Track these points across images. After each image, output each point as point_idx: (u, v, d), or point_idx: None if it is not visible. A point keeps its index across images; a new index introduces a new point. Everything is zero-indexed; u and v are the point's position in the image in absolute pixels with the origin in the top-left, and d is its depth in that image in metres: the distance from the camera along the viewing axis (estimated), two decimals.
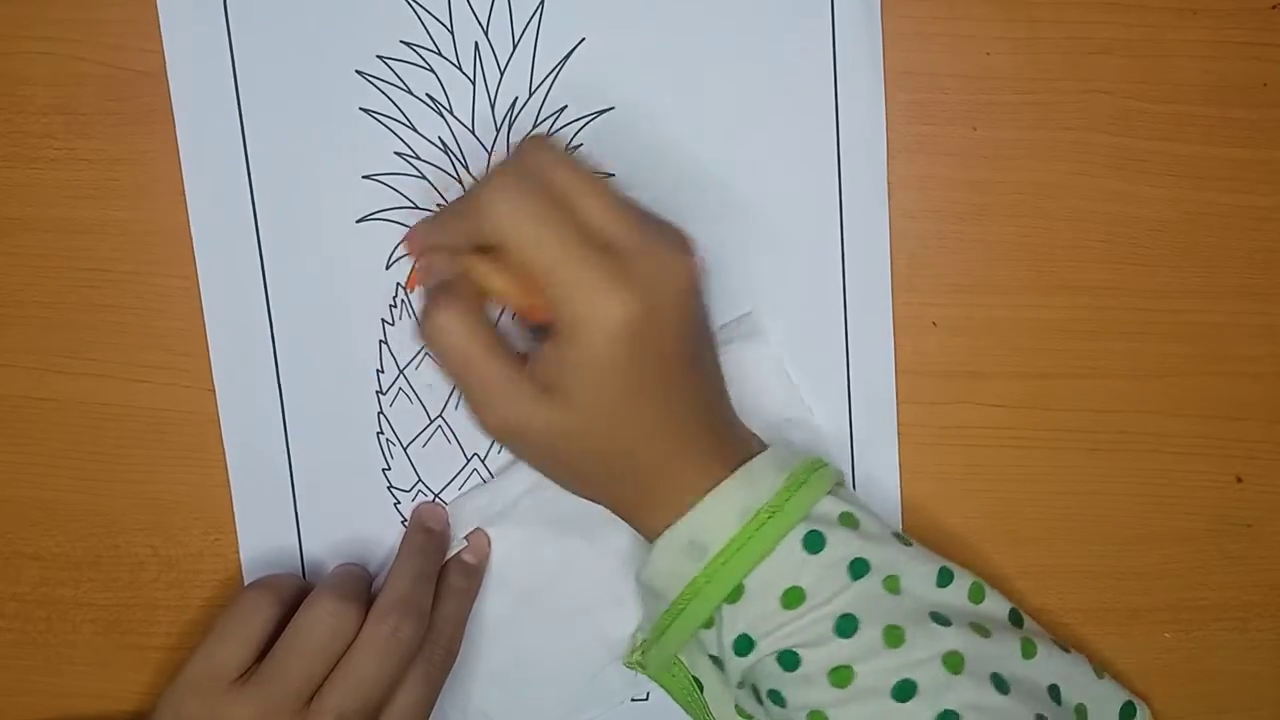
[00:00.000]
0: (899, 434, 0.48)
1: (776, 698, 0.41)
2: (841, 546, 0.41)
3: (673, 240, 0.40)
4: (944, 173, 0.46)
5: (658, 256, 0.39)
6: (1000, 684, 0.41)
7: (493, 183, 0.39)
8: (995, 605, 0.44)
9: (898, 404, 0.48)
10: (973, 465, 0.48)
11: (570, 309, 0.38)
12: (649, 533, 0.42)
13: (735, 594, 0.41)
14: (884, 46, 0.45)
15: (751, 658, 0.41)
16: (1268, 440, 0.48)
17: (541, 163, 0.39)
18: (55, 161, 0.46)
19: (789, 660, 0.40)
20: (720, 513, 0.41)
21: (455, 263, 0.41)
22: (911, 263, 0.47)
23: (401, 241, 0.46)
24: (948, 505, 0.48)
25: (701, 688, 0.45)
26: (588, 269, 0.38)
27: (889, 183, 0.46)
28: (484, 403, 0.40)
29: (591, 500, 0.43)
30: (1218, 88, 0.46)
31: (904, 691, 0.40)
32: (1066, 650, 0.45)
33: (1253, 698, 0.49)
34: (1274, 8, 0.46)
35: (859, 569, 0.41)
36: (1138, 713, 0.46)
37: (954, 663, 0.41)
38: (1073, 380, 0.48)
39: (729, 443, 0.42)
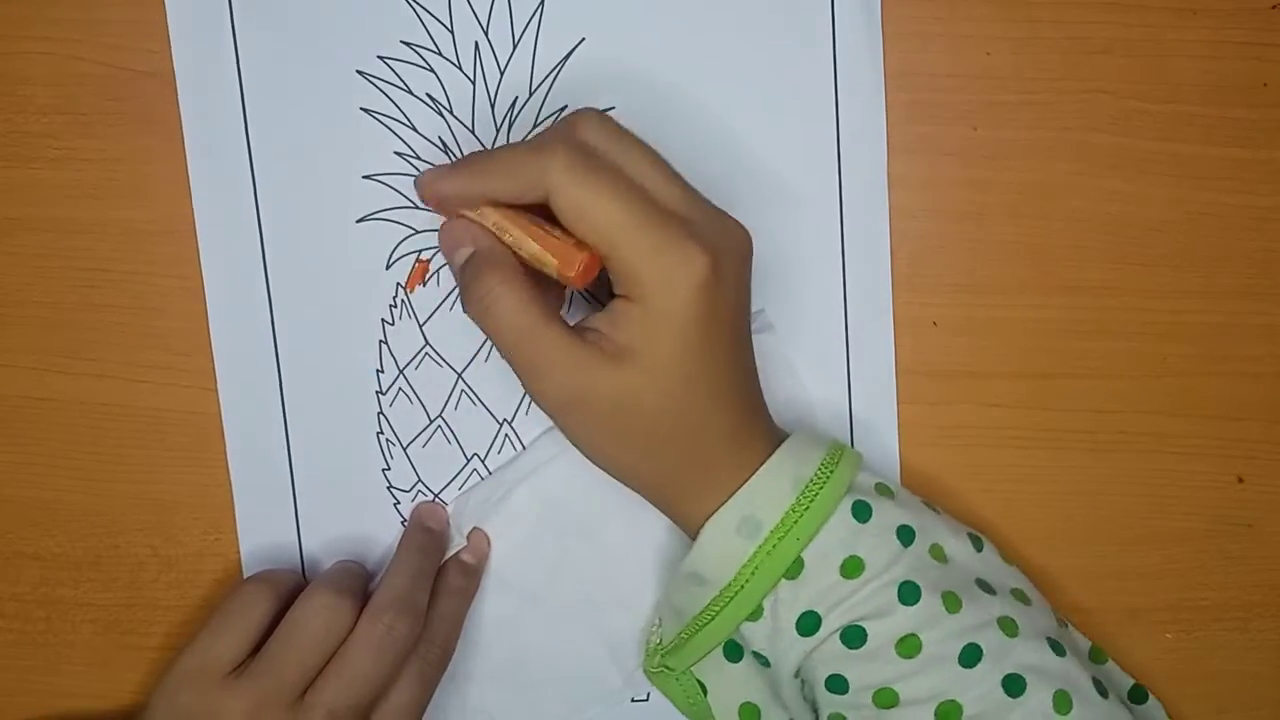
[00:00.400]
0: (899, 434, 0.48)
1: (838, 683, 0.41)
2: (887, 514, 0.41)
3: (727, 214, 0.41)
4: (944, 173, 0.47)
5: (721, 222, 0.40)
6: (1056, 646, 0.41)
7: (550, 146, 0.38)
8: (1016, 573, 0.45)
9: (898, 404, 0.48)
10: (973, 465, 0.48)
11: (647, 269, 0.38)
12: (693, 518, 0.41)
13: (795, 569, 0.40)
14: (884, 46, 0.46)
15: (819, 635, 0.40)
16: (1268, 440, 0.48)
17: (596, 132, 0.39)
18: (55, 161, 0.46)
19: (854, 636, 0.40)
20: (773, 486, 0.40)
21: (483, 231, 0.40)
22: (911, 263, 0.47)
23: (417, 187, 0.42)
24: (948, 505, 0.48)
25: (705, 691, 0.44)
26: (661, 231, 0.38)
27: (889, 183, 0.46)
28: (543, 373, 0.39)
29: (631, 483, 0.42)
30: (1218, 88, 0.46)
31: (970, 656, 0.40)
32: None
33: (1253, 698, 0.49)
34: (1274, 8, 0.46)
35: (907, 536, 0.41)
36: (1149, 698, 0.46)
37: (1010, 627, 0.41)
38: (1073, 380, 0.48)
39: (768, 422, 0.43)
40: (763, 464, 0.41)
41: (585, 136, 0.39)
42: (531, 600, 0.48)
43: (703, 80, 0.46)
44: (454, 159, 0.46)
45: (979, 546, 0.43)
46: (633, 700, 0.49)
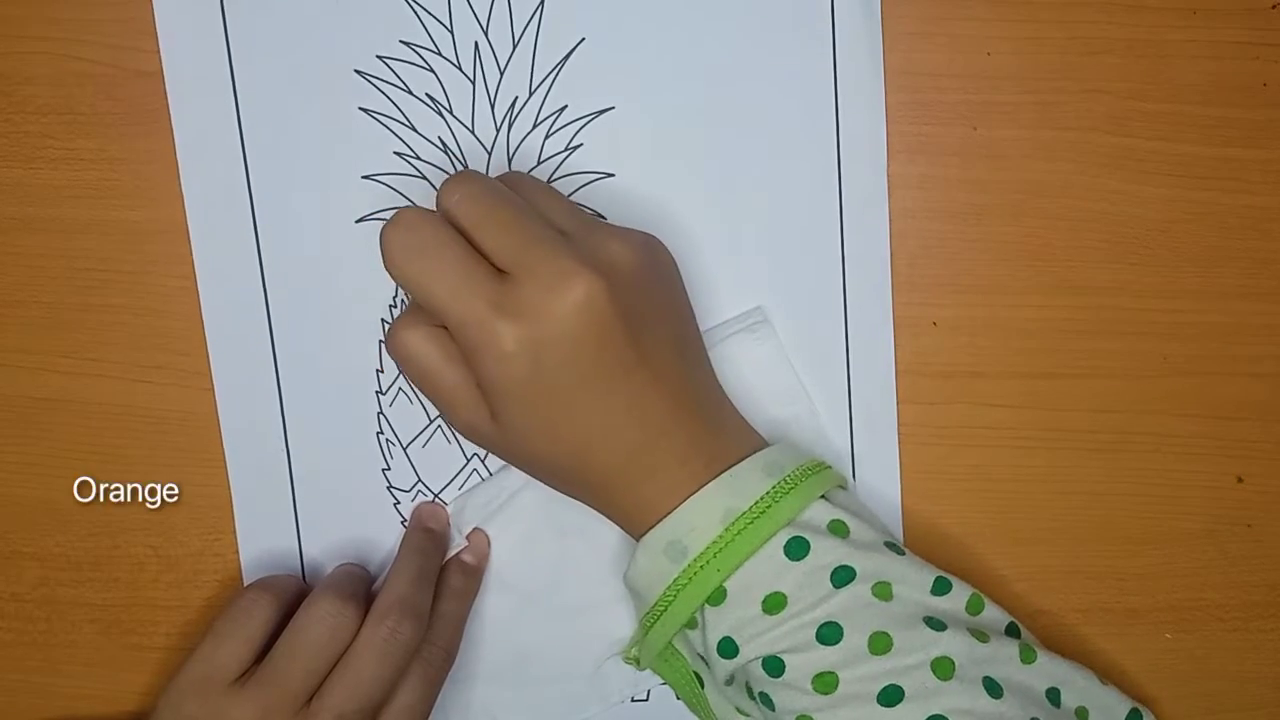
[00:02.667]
0: (899, 434, 0.48)
1: (765, 700, 0.41)
2: (826, 554, 0.41)
3: (579, 256, 0.39)
4: (944, 173, 0.46)
5: (548, 275, 0.39)
6: (993, 688, 0.41)
7: (389, 222, 0.40)
8: (994, 616, 0.43)
9: (898, 404, 0.48)
10: (973, 465, 0.48)
11: (462, 339, 0.39)
12: (634, 533, 0.42)
13: (717, 597, 0.41)
14: (884, 46, 0.45)
15: (737, 660, 0.41)
16: (1268, 440, 0.48)
17: (449, 201, 0.40)
18: (55, 161, 0.46)
19: (773, 665, 0.41)
20: (702, 514, 0.41)
21: None
22: (911, 263, 0.47)
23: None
24: (948, 505, 0.48)
25: (702, 683, 0.45)
26: (469, 300, 0.39)
27: (889, 183, 0.46)
28: (446, 409, 0.42)
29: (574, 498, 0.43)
30: (1218, 88, 0.46)
31: (890, 697, 0.40)
32: (1066, 660, 0.44)
33: (1253, 698, 0.49)
34: (1274, 8, 0.46)
35: (843, 576, 0.41)
36: (1143, 718, 0.45)
37: (944, 668, 0.40)
38: (1073, 380, 0.48)
39: (713, 442, 0.42)
40: (699, 489, 0.41)
41: (442, 201, 0.40)
42: (532, 600, 0.48)
43: (703, 80, 0.46)
44: (453, 159, 0.46)
45: (942, 590, 0.42)
46: (633, 700, 0.49)
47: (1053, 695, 0.43)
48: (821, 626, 0.40)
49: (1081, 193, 0.47)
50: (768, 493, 0.41)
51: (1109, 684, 0.44)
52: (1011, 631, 0.44)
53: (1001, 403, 0.48)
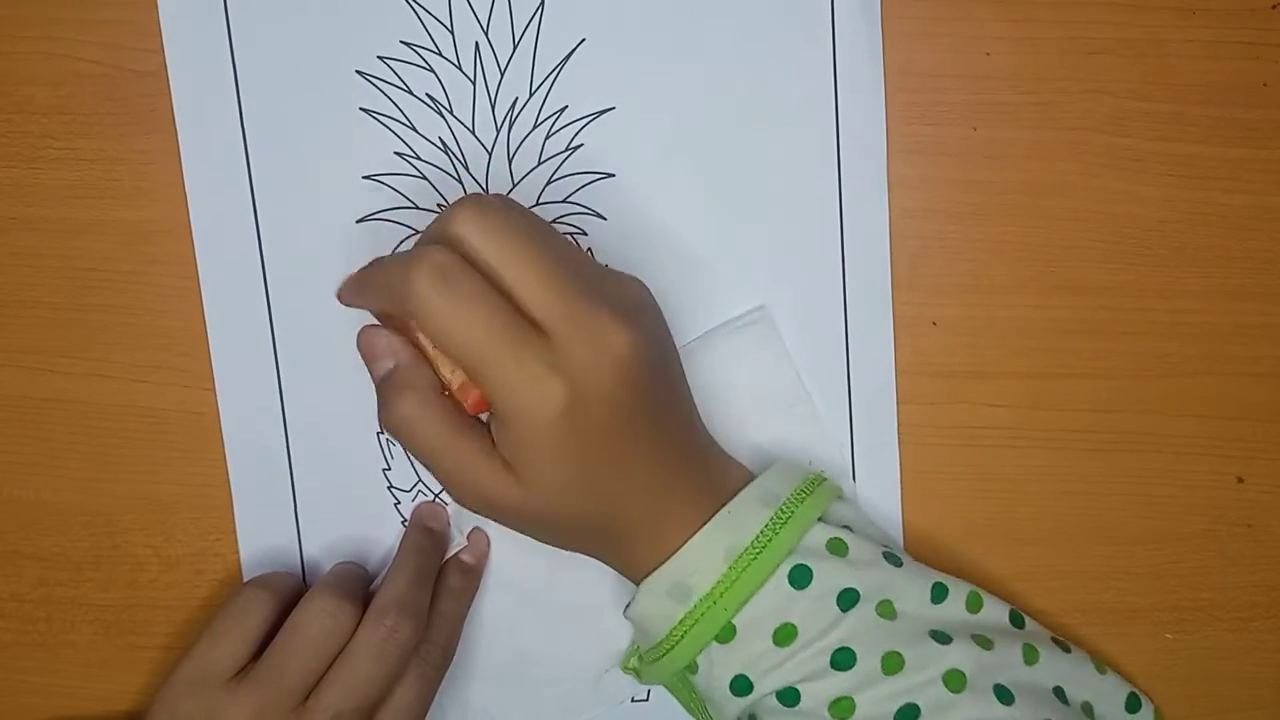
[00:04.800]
0: (899, 434, 0.48)
1: None
2: (829, 578, 0.41)
3: (612, 306, 0.39)
4: (944, 173, 0.46)
5: (591, 330, 0.38)
6: (1004, 695, 0.41)
7: (416, 259, 0.37)
8: (994, 611, 0.44)
9: (898, 404, 0.48)
10: (973, 465, 0.48)
11: (503, 400, 0.38)
12: (632, 577, 0.42)
13: (726, 634, 0.41)
14: (884, 46, 0.46)
15: (752, 697, 0.41)
16: (1268, 440, 0.48)
17: (471, 232, 0.38)
18: (55, 161, 0.46)
19: (789, 696, 0.40)
20: (704, 556, 0.40)
21: (402, 345, 0.42)
22: (911, 263, 0.47)
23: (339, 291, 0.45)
24: (948, 505, 0.48)
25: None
26: (515, 362, 0.37)
27: (889, 183, 0.46)
28: (455, 486, 0.41)
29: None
30: (1218, 88, 0.46)
31: (907, 715, 0.40)
32: (1067, 650, 0.45)
33: (1253, 698, 0.49)
34: (1274, 7, 0.46)
35: (849, 599, 0.41)
36: (1143, 704, 0.46)
37: (956, 681, 0.40)
38: (1073, 380, 0.48)
39: (710, 480, 0.42)
40: (698, 531, 0.41)
41: (460, 231, 0.38)
42: (531, 600, 0.48)
43: (702, 80, 0.46)
44: (453, 159, 0.46)
45: (940, 597, 0.43)
46: (633, 700, 0.49)
47: (1059, 693, 0.43)
48: (835, 653, 0.40)
49: (1081, 193, 0.47)
50: (767, 524, 0.41)
51: (1106, 671, 0.45)
52: (1015, 619, 0.44)
53: (1001, 403, 0.48)
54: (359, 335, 0.43)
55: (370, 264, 0.44)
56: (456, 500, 0.41)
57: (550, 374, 0.37)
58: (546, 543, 0.43)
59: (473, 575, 0.47)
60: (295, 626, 0.43)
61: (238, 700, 0.42)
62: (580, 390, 0.38)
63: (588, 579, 0.47)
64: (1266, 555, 0.49)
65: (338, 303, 0.45)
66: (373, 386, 0.47)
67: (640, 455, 0.40)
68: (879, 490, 0.48)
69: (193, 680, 0.43)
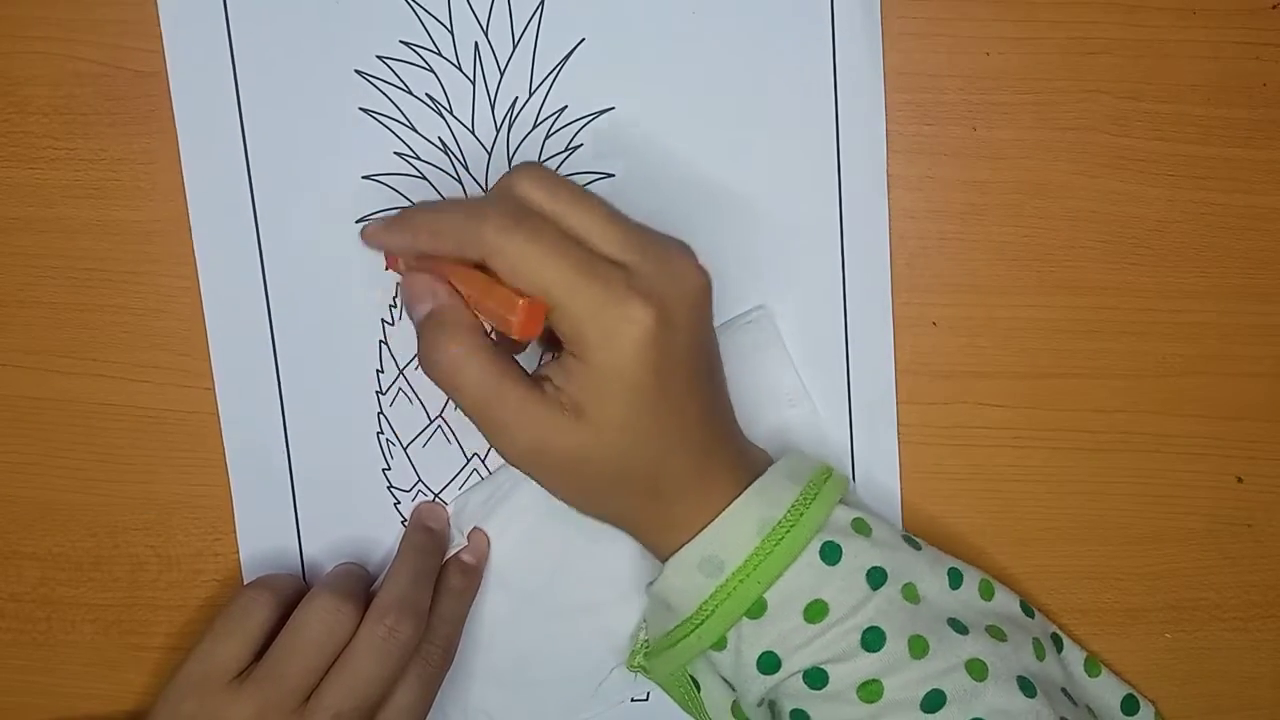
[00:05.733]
0: (899, 434, 0.48)
1: (801, 717, 0.41)
2: (858, 556, 0.41)
3: (677, 249, 0.39)
4: (944, 173, 0.47)
5: (667, 266, 0.38)
6: (1026, 686, 0.41)
7: (484, 207, 0.38)
8: (1005, 600, 0.44)
9: (898, 404, 0.48)
10: (973, 465, 0.48)
11: (588, 327, 0.37)
12: (663, 550, 0.42)
13: (757, 609, 0.40)
14: (884, 46, 0.46)
15: (779, 675, 0.41)
16: (1268, 440, 0.48)
17: (534, 187, 0.38)
18: (55, 161, 0.46)
19: (816, 678, 0.40)
20: (738, 528, 0.40)
21: (443, 286, 0.40)
22: (911, 263, 0.47)
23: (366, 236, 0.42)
24: (948, 505, 0.48)
25: (699, 687, 0.45)
26: (601, 286, 0.37)
27: (889, 183, 0.46)
28: (503, 431, 0.39)
29: (605, 520, 0.42)
30: (1218, 88, 0.46)
31: (934, 702, 0.40)
32: (1060, 647, 0.45)
33: (1253, 698, 0.49)
34: (1274, 7, 0.46)
35: (877, 578, 0.41)
36: (1141, 707, 0.46)
37: (978, 669, 0.40)
38: (1073, 380, 0.48)
39: (741, 457, 0.42)
40: (730, 503, 0.40)
41: (522, 191, 0.38)
42: (531, 600, 0.48)
43: (702, 80, 0.46)
44: (453, 159, 0.46)
45: (956, 583, 0.43)
46: (632, 700, 0.49)
47: (1065, 693, 0.43)
48: (865, 632, 0.40)
49: (1081, 193, 0.47)
50: (798, 499, 0.41)
51: (1101, 672, 0.45)
52: (1025, 609, 0.44)
53: (1001, 403, 0.48)
54: (402, 279, 0.41)
55: (413, 208, 0.41)
56: (498, 447, 0.40)
57: (636, 297, 0.37)
58: (576, 505, 0.41)
59: (473, 575, 0.47)
60: (297, 627, 0.43)
61: (240, 701, 0.42)
62: (666, 315, 0.37)
63: (588, 579, 0.47)
64: (1266, 555, 0.49)
65: (361, 242, 0.41)
66: (372, 388, 0.47)
67: (697, 407, 0.40)
68: (879, 490, 0.48)
69: (195, 681, 0.43)
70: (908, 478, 0.48)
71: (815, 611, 0.40)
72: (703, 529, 0.40)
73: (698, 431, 0.40)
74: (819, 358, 0.47)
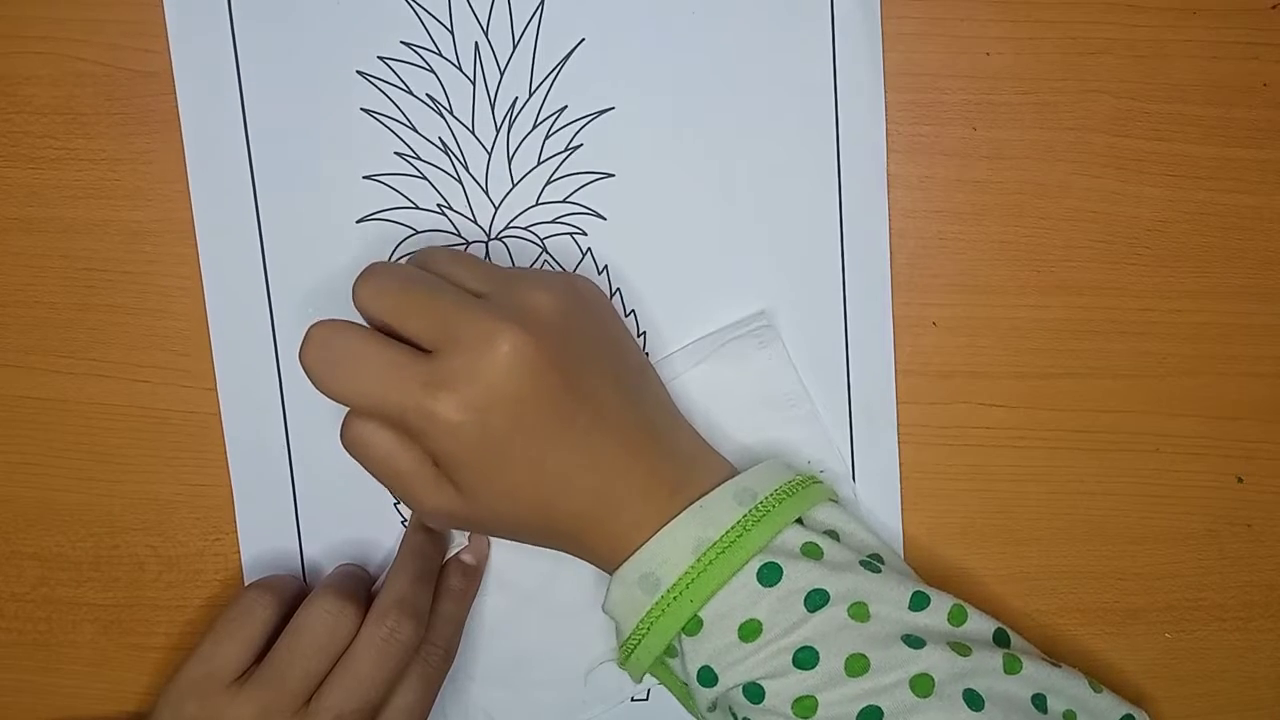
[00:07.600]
0: (899, 434, 0.48)
1: None
2: (799, 578, 0.41)
3: (496, 312, 0.40)
4: (944, 173, 0.47)
5: (471, 338, 0.39)
6: (974, 701, 0.41)
7: (303, 341, 0.41)
8: (979, 625, 0.43)
9: (898, 404, 0.48)
10: (973, 465, 0.48)
11: (407, 426, 0.39)
12: (609, 566, 0.42)
13: (693, 626, 0.41)
14: (884, 46, 0.46)
15: (717, 689, 0.41)
16: (1268, 440, 0.48)
17: (360, 299, 0.41)
18: (55, 161, 0.46)
19: (753, 692, 0.41)
20: (673, 546, 0.41)
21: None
22: (911, 263, 0.47)
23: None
24: (948, 505, 0.48)
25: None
26: (399, 391, 0.39)
27: (889, 183, 0.46)
28: (408, 498, 0.41)
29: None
30: (1218, 88, 0.46)
31: (869, 716, 0.40)
32: (1058, 666, 0.44)
33: (1253, 698, 0.49)
34: (1274, 8, 0.46)
35: (816, 600, 0.41)
36: None
37: (923, 685, 0.40)
38: (1073, 380, 0.48)
39: (677, 470, 0.42)
40: (671, 520, 0.41)
41: (356, 301, 0.41)
42: (531, 600, 0.48)
43: (702, 80, 0.46)
44: (453, 159, 0.46)
45: (920, 604, 0.42)
46: (632, 700, 0.49)
47: (1039, 701, 0.42)
48: (797, 651, 0.40)
49: (1081, 193, 0.47)
50: (739, 521, 0.41)
51: (1103, 690, 0.44)
52: (999, 638, 0.43)
53: (1001, 403, 0.48)
54: None
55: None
56: (419, 516, 0.43)
57: (434, 388, 0.39)
58: (522, 543, 0.44)
59: (473, 576, 0.47)
60: (298, 628, 0.43)
61: (241, 703, 0.42)
62: (474, 397, 0.39)
63: (588, 579, 0.47)
64: (1266, 555, 0.49)
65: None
66: None
67: (563, 454, 0.40)
68: (879, 490, 0.48)
69: (196, 682, 0.43)
70: (908, 478, 0.48)
71: (749, 630, 0.41)
72: (642, 545, 0.41)
73: (578, 473, 0.40)
74: (819, 358, 0.47)
